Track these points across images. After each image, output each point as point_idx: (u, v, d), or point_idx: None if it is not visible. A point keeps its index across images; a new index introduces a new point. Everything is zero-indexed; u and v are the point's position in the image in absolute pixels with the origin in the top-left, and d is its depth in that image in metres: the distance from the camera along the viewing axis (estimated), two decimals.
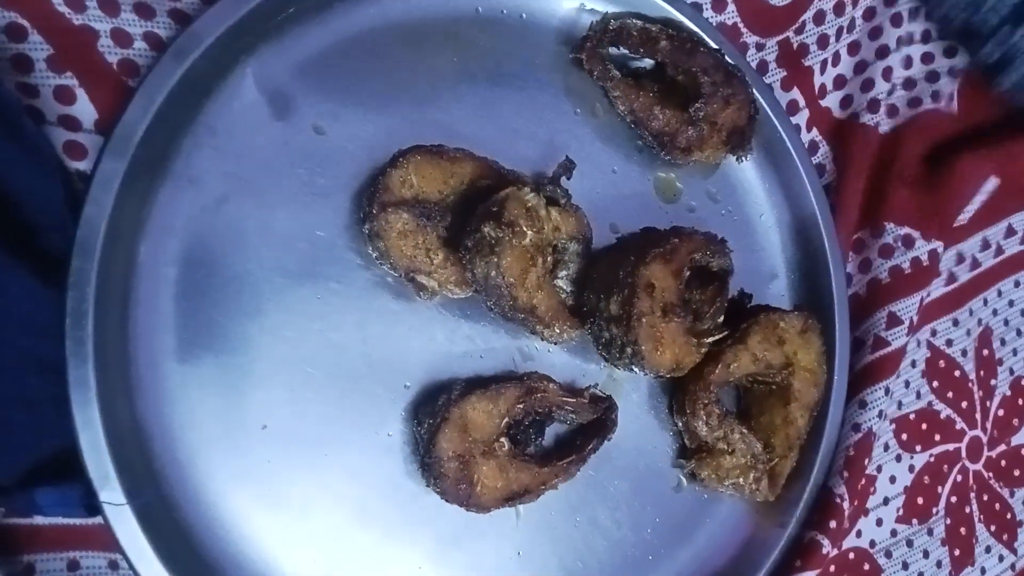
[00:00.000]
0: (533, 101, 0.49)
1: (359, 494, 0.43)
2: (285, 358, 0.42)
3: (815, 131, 0.57)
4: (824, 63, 0.57)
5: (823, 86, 0.57)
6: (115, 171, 0.38)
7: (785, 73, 0.56)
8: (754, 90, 0.51)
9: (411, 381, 0.45)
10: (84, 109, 0.41)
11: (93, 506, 0.37)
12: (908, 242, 0.56)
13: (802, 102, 0.57)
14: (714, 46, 0.50)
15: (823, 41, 0.57)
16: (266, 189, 0.43)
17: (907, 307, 0.56)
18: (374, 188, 0.42)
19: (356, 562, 0.43)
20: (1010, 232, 0.64)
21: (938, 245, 0.57)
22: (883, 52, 0.58)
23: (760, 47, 0.55)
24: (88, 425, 0.37)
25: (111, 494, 0.36)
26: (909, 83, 0.60)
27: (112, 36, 0.41)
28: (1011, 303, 0.64)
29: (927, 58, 0.61)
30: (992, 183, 0.60)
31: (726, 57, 0.50)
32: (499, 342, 0.47)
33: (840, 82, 0.58)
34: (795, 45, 0.56)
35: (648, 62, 0.51)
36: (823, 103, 0.58)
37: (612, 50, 0.50)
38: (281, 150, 0.43)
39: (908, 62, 0.60)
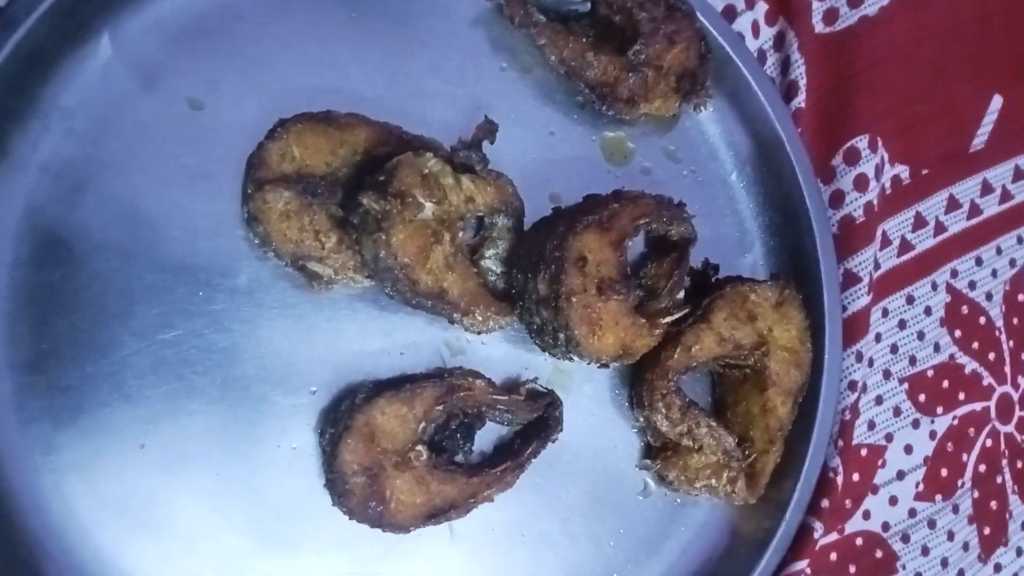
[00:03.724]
0: (450, 58, 0.43)
1: (259, 516, 0.38)
2: (163, 365, 0.37)
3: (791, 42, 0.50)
4: None
5: None
6: None
7: None
8: (709, 28, 0.44)
9: (317, 385, 0.39)
10: None
11: None
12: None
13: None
14: None
15: None
16: (133, 173, 0.37)
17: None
18: (250, 164, 0.37)
19: None
20: None
21: (900, 169, 0.49)
22: None
23: None
24: None
25: None
26: None
27: None
28: None
29: None
30: (997, 102, 0.52)
31: None
32: (422, 336, 0.41)
33: None
34: None
35: (581, 6, 0.44)
36: None
37: None
38: (150, 128, 0.38)
39: None
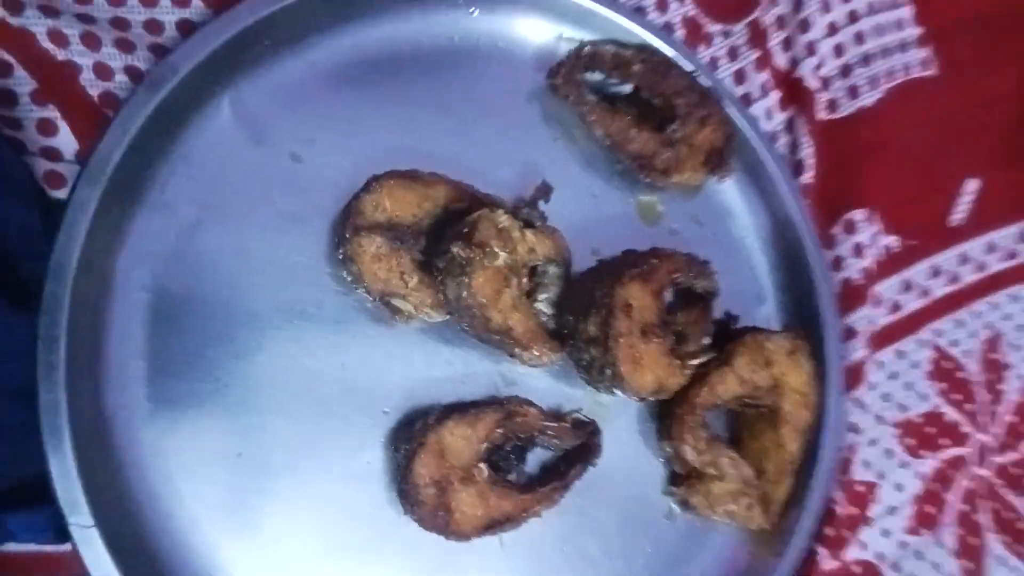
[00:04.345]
0: (511, 127, 0.50)
1: (335, 523, 0.42)
2: (259, 384, 0.42)
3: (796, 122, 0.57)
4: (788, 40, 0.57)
5: (793, 59, 0.57)
6: (90, 197, 0.39)
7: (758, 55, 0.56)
8: (733, 110, 0.51)
9: (389, 407, 0.44)
10: (65, 140, 0.42)
11: (63, 531, 0.36)
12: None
13: (772, 83, 0.57)
14: (689, 67, 0.51)
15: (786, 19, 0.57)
16: (241, 215, 0.43)
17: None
18: (347, 212, 0.43)
19: None
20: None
21: (891, 240, 0.57)
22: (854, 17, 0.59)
23: (726, 34, 0.55)
24: (58, 451, 0.37)
25: (80, 519, 0.36)
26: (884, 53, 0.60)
27: (94, 70, 0.42)
28: None
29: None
30: (974, 184, 0.59)
31: (701, 78, 0.50)
32: (480, 367, 0.47)
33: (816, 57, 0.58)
34: (763, 25, 0.56)
35: (625, 87, 0.51)
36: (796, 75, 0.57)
37: (589, 76, 0.51)
38: (257, 177, 0.44)
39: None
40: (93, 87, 0.42)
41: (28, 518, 0.37)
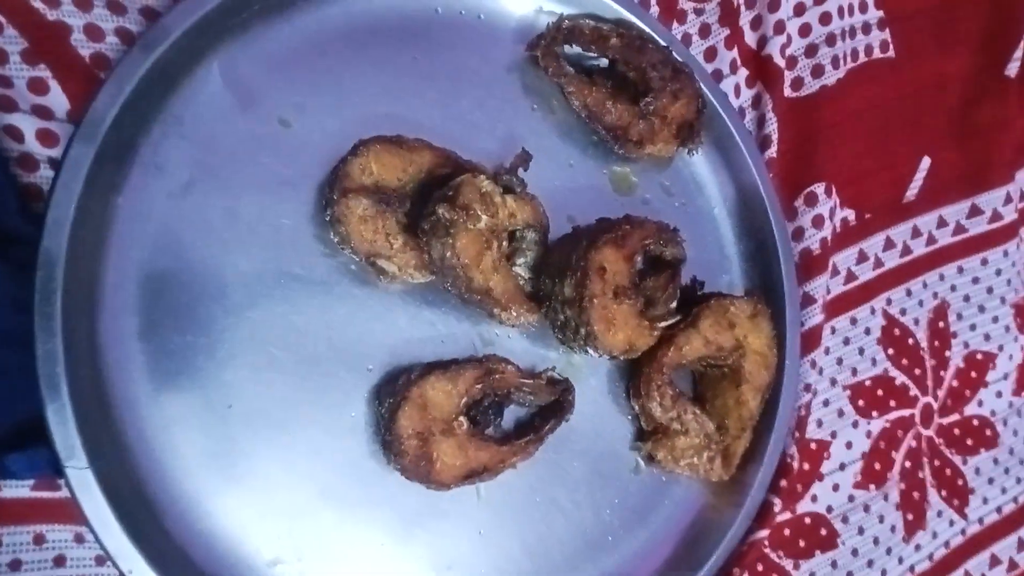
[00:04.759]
0: (491, 97, 0.51)
1: (322, 473, 0.44)
2: (249, 340, 0.44)
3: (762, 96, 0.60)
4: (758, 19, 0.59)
5: (762, 38, 0.59)
6: (84, 155, 0.39)
7: (727, 32, 0.58)
8: (702, 85, 0.54)
9: (374, 364, 0.46)
10: (57, 99, 0.43)
11: (61, 470, 0.38)
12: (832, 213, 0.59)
13: (740, 60, 0.59)
14: (664, 43, 0.53)
15: None
16: (231, 177, 0.44)
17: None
18: (335, 176, 0.44)
19: (320, 538, 0.44)
20: (975, 211, 0.67)
21: (848, 212, 0.60)
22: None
23: (699, 12, 0.57)
24: (55, 399, 0.38)
25: (76, 463, 0.37)
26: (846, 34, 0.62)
27: (85, 31, 0.43)
28: (975, 280, 0.67)
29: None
30: (926, 162, 0.63)
31: (674, 54, 0.53)
32: (460, 328, 0.49)
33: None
34: (735, 3, 0.58)
35: (602, 60, 0.53)
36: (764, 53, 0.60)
37: (567, 49, 0.52)
38: (247, 140, 0.45)
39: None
40: (84, 48, 0.43)
41: (27, 458, 0.38)
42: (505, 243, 0.47)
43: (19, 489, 0.40)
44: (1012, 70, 0.68)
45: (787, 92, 0.60)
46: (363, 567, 0.45)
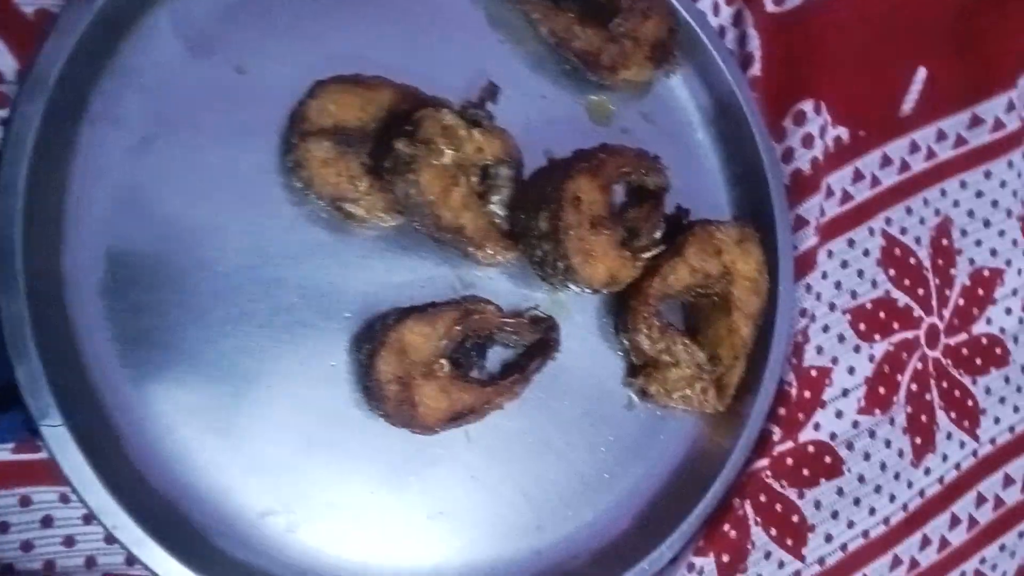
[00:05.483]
0: (457, 31, 0.50)
1: (307, 424, 0.44)
2: (222, 293, 0.43)
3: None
4: None
5: None
6: (33, 112, 0.39)
7: None
8: (678, 5, 0.52)
9: (351, 312, 0.46)
10: (5, 60, 0.41)
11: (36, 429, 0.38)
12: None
13: None
14: None
15: None
16: (190, 128, 0.43)
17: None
18: (293, 119, 0.43)
19: (309, 489, 0.44)
20: (976, 121, 0.64)
21: (841, 130, 0.58)
22: None
23: None
24: (25, 361, 0.38)
25: (52, 421, 0.37)
26: None
27: None
28: (979, 194, 0.64)
29: None
30: (922, 73, 0.60)
31: None
32: (438, 271, 0.48)
33: None
34: None
35: None
36: None
37: None
38: (203, 89, 0.44)
39: None
40: (27, 4, 0.42)
41: (7, 420, 0.38)
42: (476, 179, 0.46)
43: (1, 453, 0.40)
44: None
45: (769, 7, 0.57)
46: (354, 515, 0.44)
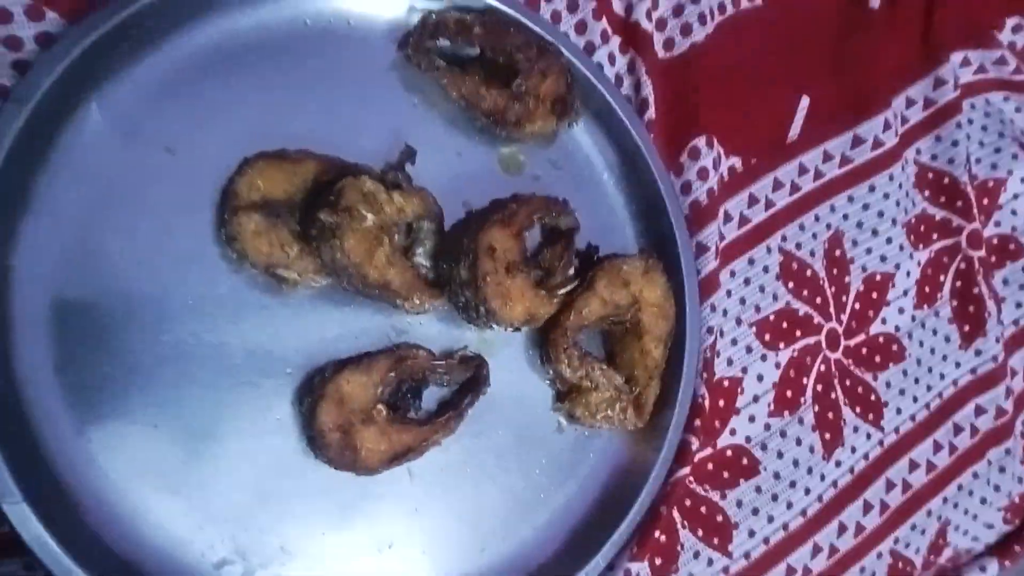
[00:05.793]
0: (372, 99, 0.53)
1: (256, 476, 0.47)
2: (166, 361, 0.46)
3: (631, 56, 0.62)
4: None
5: (628, 5, 0.62)
6: None
7: (595, 4, 0.60)
8: (575, 61, 0.56)
9: (292, 367, 0.49)
10: None
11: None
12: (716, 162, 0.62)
13: (611, 29, 0.62)
14: (530, 25, 0.55)
15: None
16: (126, 211, 0.46)
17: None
18: (224, 196, 0.47)
19: (261, 536, 0.47)
20: (857, 141, 0.70)
21: (735, 160, 0.63)
22: None
23: None
24: None
25: (11, 499, 0.40)
26: None
27: None
28: (866, 206, 0.70)
29: None
30: (805, 101, 0.66)
31: (543, 32, 0.55)
32: (372, 322, 0.51)
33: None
34: None
35: (472, 50, 0.55)
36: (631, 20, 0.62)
37: (440, 43, 0.54)
38: (136, 173, 0.47)
39: None
40: None
41: None
42: (399, 237, 0.50)
43: None
44: (875, 1, 0.72)
45: (660, 54, 0.63)
46: (307, 557, 0.48)
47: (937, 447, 0.71)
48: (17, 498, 0.40)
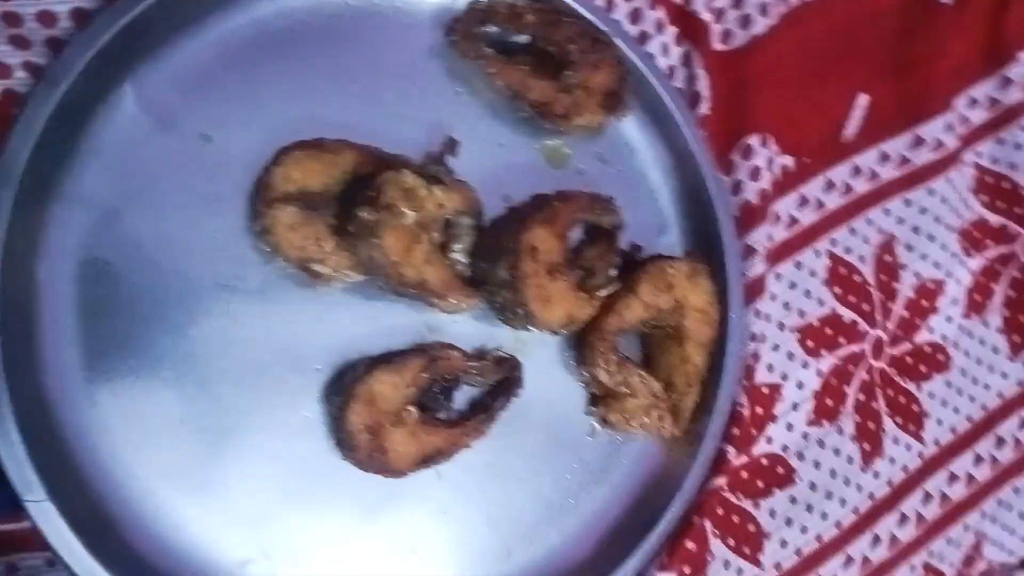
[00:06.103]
0: (414, 87, 0.51)
1: (282, 474, 0.46)
2: (193, 356, 0.45)
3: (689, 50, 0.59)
4: None
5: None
6: (3, 198, 0.40)
7: None
8: (628, 51, 0.54)
9: (321, 364, 0.48)
10: None
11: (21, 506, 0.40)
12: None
13: (667, 19, 0.59)
14: (584, 13, 0.53)
15: None
16: (158, 200, 0.45)
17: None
18: (259, 186, 0.45)
19: (286, 536, 0.46)
20: (918, 142, 0.67)
21: (787, 159, 0.61)
22: None
23: None
24: (5, 436, 0.40)
25: (35, 496, 0.39)
26: None
27: None
28: (923, 210, 0.67)
29: None
30: (863, 99, 0.63)
31: (596, 21, 0.53)
32: (405, 319, 0.50)
33: None
34: None
35: (521, 38, 0.53)
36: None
37: (487, 30, 0.52)
38: (169, 160, 0.45)
39: None
40: None
41: None
42: (437, 233, 0.48)
43: None
44: None
45: (716, 46, 0.59)
46: (331, 557, 0.47)
47: (978, 460, 0.69)
48: (41, 496, 0.39)
